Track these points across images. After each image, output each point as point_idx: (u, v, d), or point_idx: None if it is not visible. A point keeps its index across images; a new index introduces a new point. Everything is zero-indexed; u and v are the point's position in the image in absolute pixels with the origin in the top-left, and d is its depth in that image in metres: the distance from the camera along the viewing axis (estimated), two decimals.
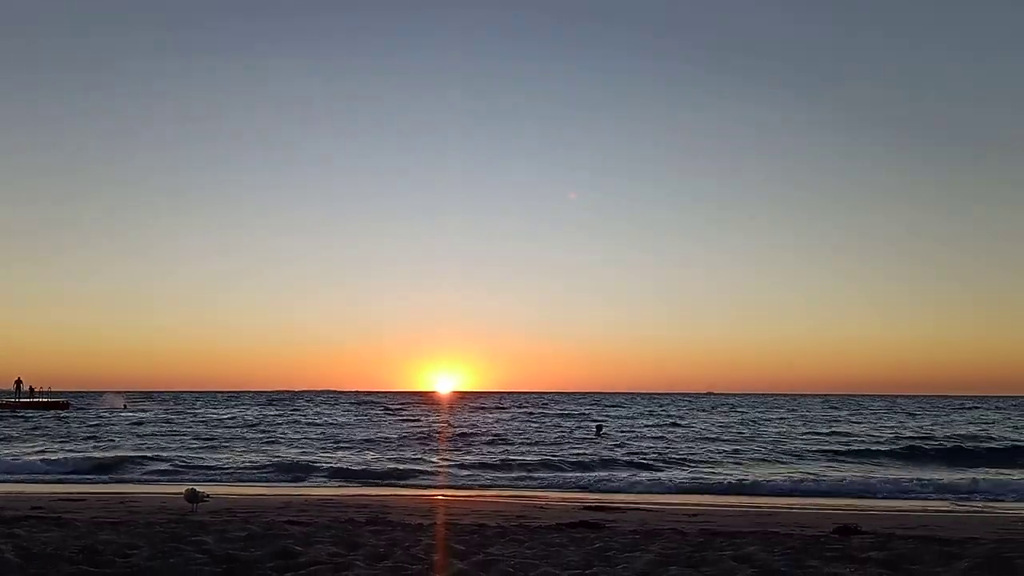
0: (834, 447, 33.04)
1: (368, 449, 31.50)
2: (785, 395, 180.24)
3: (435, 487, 21.02)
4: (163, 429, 42.26)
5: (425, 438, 36.88)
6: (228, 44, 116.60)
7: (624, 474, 23.71)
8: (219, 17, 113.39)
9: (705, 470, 24.83)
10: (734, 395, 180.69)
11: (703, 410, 75.91)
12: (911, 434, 41.19)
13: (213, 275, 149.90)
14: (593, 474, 23.61)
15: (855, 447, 33.12)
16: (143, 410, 68.11)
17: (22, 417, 51.98)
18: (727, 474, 23.73)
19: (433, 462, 26.65)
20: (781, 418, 59.77)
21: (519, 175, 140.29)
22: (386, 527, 10.24)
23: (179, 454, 28.06)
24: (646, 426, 48.11)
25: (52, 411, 60.27)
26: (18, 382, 64.32)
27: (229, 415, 59.42)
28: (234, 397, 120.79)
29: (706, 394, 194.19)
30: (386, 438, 36.67)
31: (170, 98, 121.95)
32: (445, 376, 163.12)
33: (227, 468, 24.15)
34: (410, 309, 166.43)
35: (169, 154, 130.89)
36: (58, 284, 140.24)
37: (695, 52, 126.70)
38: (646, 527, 11.05)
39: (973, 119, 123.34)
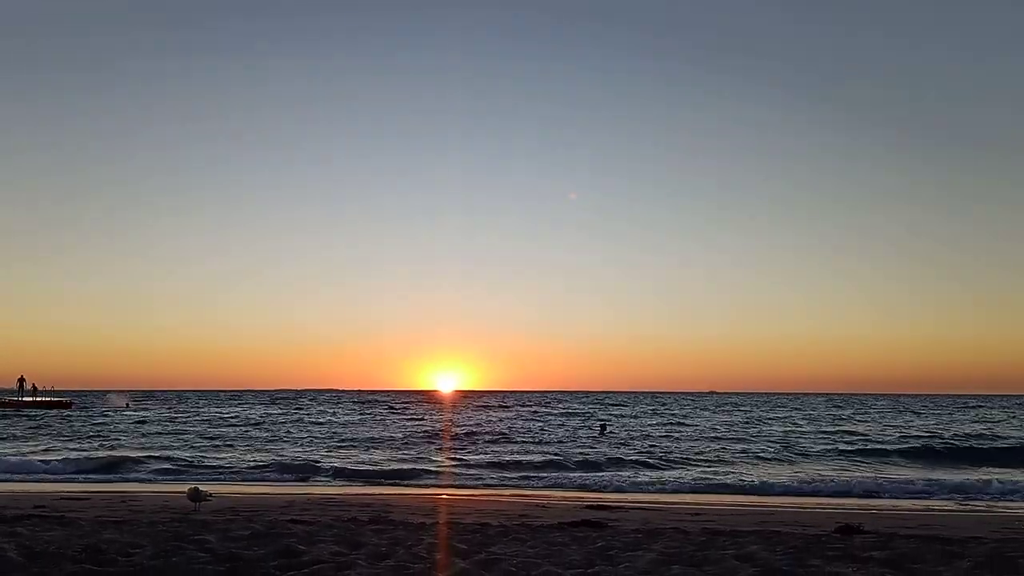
0: (839, 446, 33.02)
1: (371, 448, 31.54)
2: (787, 394, 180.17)
3: (438, 486, 21.03)
4: (166, 428, 42.34)
5: (428, 437, 36.91)
6: (228, 44, 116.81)
7: (626, 473, 23.73)
8: (219, 17, 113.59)
9: (708, 469, 24.83)
10: (736, 394, 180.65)
11: (706, 409, 75.86)
12: (917, 433, 41.16)
13: (213, 275, 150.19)
14: (596, 473, 23.62)
15: (860, 446, 33.09)
16: (146, 409, 68.22)
17: (25, 416, 52.09)
18: (729, 473, 23.73)
19: (436, 461, 26.67)
20: (784, 417, 59.74)
21: (519, 175, 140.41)
22: (388, 526, 10.25)
23: (182, 453, 28.11)
24: (650, 425, 48.11)
25: (55, 410, 60.38)
26: (21, 380, 64.42)
27: (232, 414, 59.50)
28: (236, 396, 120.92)
29: (708, 393, 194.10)
30: (389, 437, 36.70)
31: (170, 98, 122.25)
32: (446, 375, 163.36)
33: (230, 467, 24.18)
34: (410, 309, 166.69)
35: (169, 154, 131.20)
36: (58, 284, 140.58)
37: (695, 52, 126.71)
38: (648, 526, 11.05)
39: (973, 119, 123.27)
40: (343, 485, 20.92)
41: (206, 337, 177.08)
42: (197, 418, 53.93)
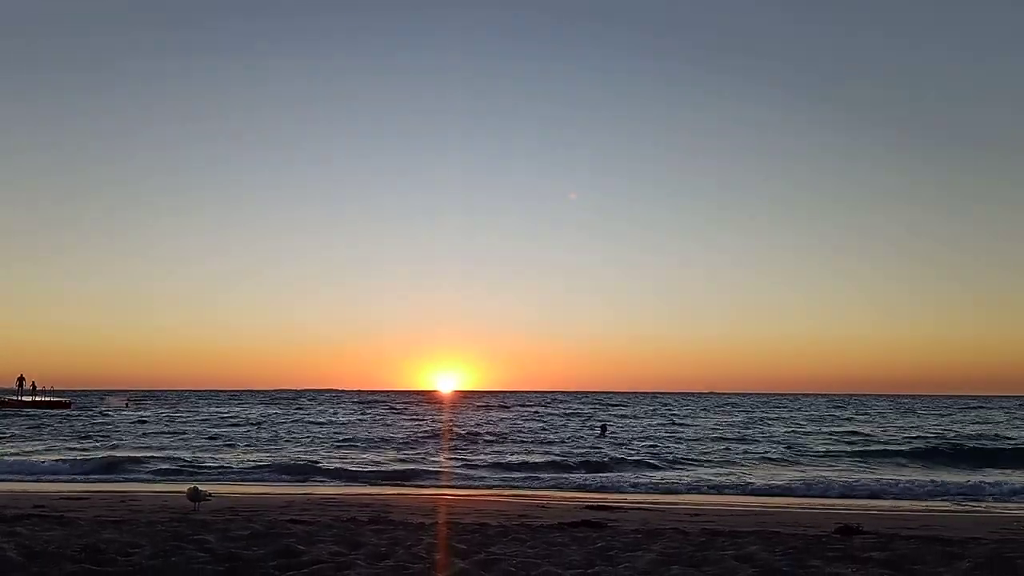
0: (840, 447, 33.00)
1: (371, 448, 31.53)
2: (787, 394, 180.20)
3: (437, 486, 21.02)
4: (165, 428, 42.34)
5: (428, 437, 36.90)
6: (228, 44, 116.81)
7: (627, 474, 23.73)
8: (219, 17, 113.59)
9: (708, 470, 24.83)
10: (736, 394, 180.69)
11: (706, 409, 75.86)
12: (918, 434, 41.14)
13: (213, 275, 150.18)
14: (596, 474, 23.62)
15: (860, 447, 33.09)
16: (145, 409, 68.22)
17: (24, 416, 52.08)
18: (729, 474, 23.74)
19: (435, 461, 26.66)
20: (784, 417, 59.74)
21: (519, 175, 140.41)
22: (388, 526, 10.25)
23: (181, 453, 28.10)
24: (650, 425, 48.10)
25: (54, 410, 60.36)
26: (20, 379, 64.38)
27: (231, 414, 59.50)
28: (236, 396, 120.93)
29: (708, 393, 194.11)
30: (389, 437, 36.69)
31: (170, 98, 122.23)
32: (446, 375, 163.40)
33: (229, 467, 24.16)
34: (410, 309, 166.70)
35: (169, 154, 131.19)
36: (58, 284, 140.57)
37: (695, 52, 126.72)
38: (648, 526, 11.04)
39: (973, 119, 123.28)
40: (342, 485, 20.91)
41: (206, 337, 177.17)
42: (197, 418, 53.94)
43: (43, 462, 24.12)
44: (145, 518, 10.89)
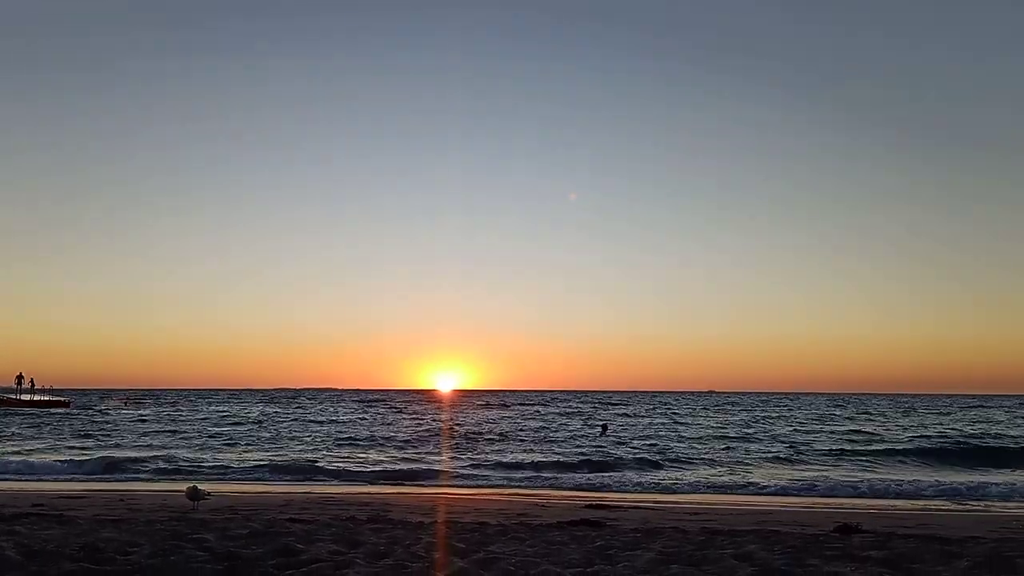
0: (840, 446, 32.98)
1: (370, 447, 31.53)
2: (787, 394, 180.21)
3: (436, 485, 21.03)
4: (164, 427, 42.34)
5: (428, 436, 36.91)
6: (228, 44, 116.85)
7: (626, 473, 23.74)
8: (219, 17, 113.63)
9: (708, 469, 24.84)
10: (736, 394, 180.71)
11: (707, 409, 75.89)
12: (918, 433, 41.14)
13: (213, 275, 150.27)
14: (596, 473, 23.62)
15: (861, 446, 33.09)
16: (144, 408, 68.21)
17: (23, 415, 52.07)
18: (729, 473, 23.74)
19: (435, 460, 26.67)
20: (784, 416, 59.75)
21: (519, 175, 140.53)
22: (387, 525, 10.25)
23: (180, 452, 28.10)
24: (651, 424, 48.12)
25: (53, 409, 60.37)
26: (19, 378, 64.37)
27: (231, 413, 59.50)
28: (235, 396, 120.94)
29: (708, 393, 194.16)
30: (389, 436, 36.70)
31: (170, 98, 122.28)
32: (446, 375, 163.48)
33: (229, 466, 24.17)
34: (410, 309, 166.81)
35: (169, 154, 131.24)
36: (58, 284, 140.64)
37: (695, 52, 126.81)
38: (647, 525, 11.05)
39: (973, 119, 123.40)
40: (342, 484, 20.91)
41: (206, 337, 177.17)
42: (196, 417, 53.93)
43: (42, 461, 24.12)
44: (144, 517, 10.89)
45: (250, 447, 30.92)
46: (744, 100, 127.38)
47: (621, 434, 39.32)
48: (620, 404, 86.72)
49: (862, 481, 21.36)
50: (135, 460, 24.86)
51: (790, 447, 32.33)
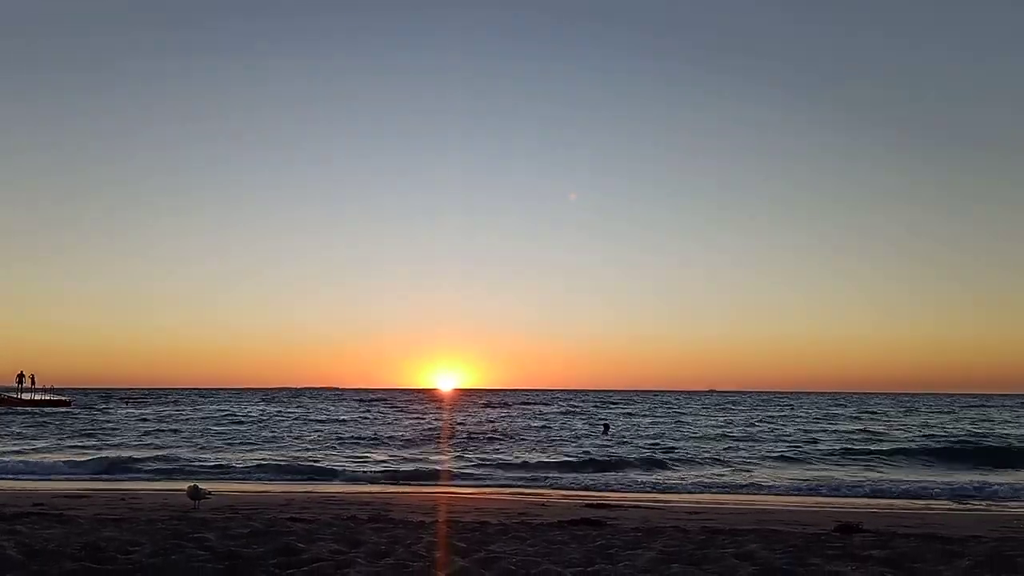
0: (841, 445, 32.98)
1: (371, 446, 31.54)
2: (787, 393, 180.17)
3: (437, 484, 21.02)
4: (165, 427, 42.35)
5: (429, 435, 36.92)
6: (228, 44, 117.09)
7: (627, 472, 23.73)
8: (219, 17, 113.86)
9: (709, 469, 24.82)
10: (736, 393, 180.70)
11: (708, 408, 75.86)
12: (918, 433, 41.12)
13: (213, 275, 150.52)
14: (597, 472, 23.61)
15: (862, 446, 33.06)
16: (145, 407, 68.24)
17: (24, 414, 52.12)
18: (730, 472, 23.73)
19: (436, 459, 26.66)
20: (786, 415, 59.72)
21: (519, 175, 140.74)
22: (388, 524, 10.25)
23: (181, 451, 28.11)
24: (653, 424, 48.10)
25: (54, 409, 60.41)
26: (20, 376, 64.34)
27: (232, 413, 59.52)
28: (236, 395, 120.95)
29: (708, 392, 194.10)
30: (390, 435, 36.71)
31: (170, 98, 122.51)
32: (446, 374, 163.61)
33: (230, 465, 24.18)
34: (410, 309, 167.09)
35: (169, 154, 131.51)
36: (58, 284, 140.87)
37: (695, 52, 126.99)
38: (648, 525, 11.04)
39: (973, 119, 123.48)
40: (343, 483, 20.92)
41: (206, 337, 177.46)
42: (197, 416, 53.95)
43: (42, 460, 24.13)
44: (145, 516, 10.89)
45: (251, 447, 30.93)
46: (744, 100, 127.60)
47: (623, 433, 39.32)
48: (622, 403, 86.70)
49: (863, 480, 21.35)
50: (135, 459, 24.88)
51: (792, 446, 32.30)
